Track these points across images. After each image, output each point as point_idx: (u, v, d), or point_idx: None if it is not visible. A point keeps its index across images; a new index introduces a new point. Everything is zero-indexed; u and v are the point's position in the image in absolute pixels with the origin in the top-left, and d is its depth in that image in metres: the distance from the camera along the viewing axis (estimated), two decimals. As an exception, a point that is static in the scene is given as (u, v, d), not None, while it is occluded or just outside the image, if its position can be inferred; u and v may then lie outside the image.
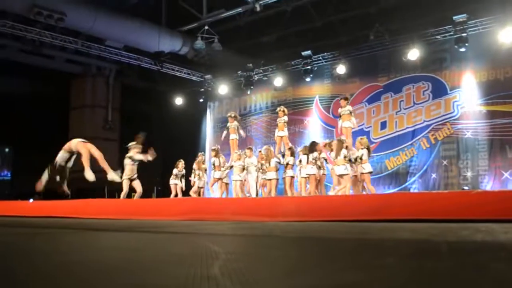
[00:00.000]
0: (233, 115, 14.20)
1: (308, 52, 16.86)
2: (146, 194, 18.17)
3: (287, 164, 12.50)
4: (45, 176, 9.65)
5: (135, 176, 12.01)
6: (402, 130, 15.32)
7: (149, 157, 11.67)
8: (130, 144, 12.20)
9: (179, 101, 20.37)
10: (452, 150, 14.40)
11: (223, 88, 19.30)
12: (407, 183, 14.83)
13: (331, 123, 16.87)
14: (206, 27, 16.11)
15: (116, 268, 2.25)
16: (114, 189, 18.96)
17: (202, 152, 16.29)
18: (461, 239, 3.54)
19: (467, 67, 14.52)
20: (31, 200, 13.36)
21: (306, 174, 11.96)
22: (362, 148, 11.34)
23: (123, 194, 11.86)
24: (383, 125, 15.73)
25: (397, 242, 3.51)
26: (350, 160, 11.27)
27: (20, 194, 18.60)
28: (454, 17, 14.07)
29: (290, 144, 13.12)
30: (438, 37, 14.83)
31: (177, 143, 20.33)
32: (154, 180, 19.61)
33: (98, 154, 9.75)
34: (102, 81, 21.29)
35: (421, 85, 15.24)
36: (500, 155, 13.56)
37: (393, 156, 15.24)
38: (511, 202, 5.42)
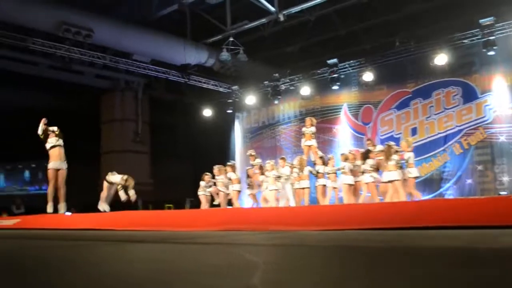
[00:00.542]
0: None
1: (334, 60, 16.81)
2: (179, 205, 18.35)
3: (318, 172, 12.44)
4: None
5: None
6: (434, 135, 15.11)
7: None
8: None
9: (207, 112, 20.49)
10: (486, 155, 14.13)
11: (250, 99, 19.35)
12: (441, 190, 14.59)
13: (361, 130, 16.77)
14: (231, 39, 16.22)
15: (150, 280, 2.23)
16: (147, 201, 19.19)
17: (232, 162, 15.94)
18: (505, 246, 3.45)
19: (497, 71, 14.27)
20: (67, 213, 13.56)
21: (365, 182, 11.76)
22: (409, 151, 11.16)
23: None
24: (414, 131, 15.53)
25: (437, 250, 3.44)
26: (401, 166, 11.09)
27: (56, 208, 18.90)
28: (481, 21, 13.87)
29: (320, 153, 13.06)
30: (466, 41, 14.62)
31: (206, 154, 20.44)
32: (186, 191, 19.73)
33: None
34: (130, 95, 21.59)
35: (451, 89, 15.03)
36: (536, 158, 13.28)
37: (426, 162, 15.01)
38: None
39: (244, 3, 16.50)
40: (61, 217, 12.48)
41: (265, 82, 18.78)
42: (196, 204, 15.41)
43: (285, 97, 18.85)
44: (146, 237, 6.25)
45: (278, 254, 3.70)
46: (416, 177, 11.27)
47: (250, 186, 14.04)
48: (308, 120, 13.23)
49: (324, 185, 12.40)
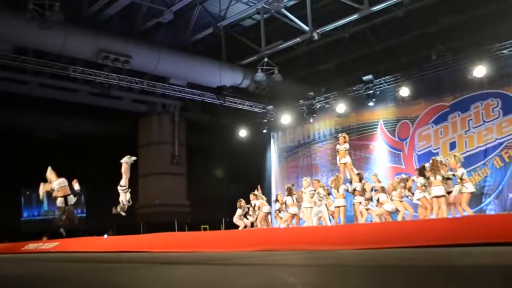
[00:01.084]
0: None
1: (370, 77, 16.67)
2: (214, 226, 18.40)
3: (355, 190, 12.28)
4: None
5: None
6: (473, 149, 14.73)
7: None
8: None
9: (242, 133, 20.58)
10: (528, 167, 13.69)
11: (285, 118, 19.35)
12: (482, 205, 14.16)
13: (398, 146, 16.51)
14: (266, 59, 16.32)
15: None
16: (184, 222, 19.33)
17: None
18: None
19: (537, 81, 13.90)
20: (105, 236, 13.78)
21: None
22: (459, 167, 10.89)
23: None
24: (452, 146, 15.18)
25: (482, 268, 3.32)
26: (448, 178, 10.83)
27: (95, 230, 19.32)
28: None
29: (357, 170, 12.91)
30: (504, 51, 14.29)
31: (242, 175, 20.50)
32: (222, 212, 19.78)
33: None
34: (167, 118, 21.91)
35: (489, 102, 14.67)
36: None
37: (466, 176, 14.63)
38: None
39: (278, 24, 16.68)
40: (98, 240, 12.69)
41: (300, 101, 18.77)
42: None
43: (320, 115, 18.77)
44: (182, 258, 6.27)
45: (316, 274, 3.65)
46: (472, 192, 10.91)
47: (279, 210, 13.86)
48: (341, 137, 13.11)
49: (361, 203, 12.21)
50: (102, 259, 7.32)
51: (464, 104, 15.17)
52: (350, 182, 12.60)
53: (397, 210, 11.86)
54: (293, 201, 13.00)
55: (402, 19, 15.29)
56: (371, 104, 16.93)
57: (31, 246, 12.82)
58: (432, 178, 10.71)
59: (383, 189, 12.13)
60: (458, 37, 16.70)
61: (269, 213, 13.98)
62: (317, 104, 18.44)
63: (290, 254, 6.15)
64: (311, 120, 18.73)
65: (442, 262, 3.93)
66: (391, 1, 13.59)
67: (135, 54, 15.88)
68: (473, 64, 14.49)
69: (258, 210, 13.61)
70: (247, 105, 20.11)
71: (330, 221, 12.37)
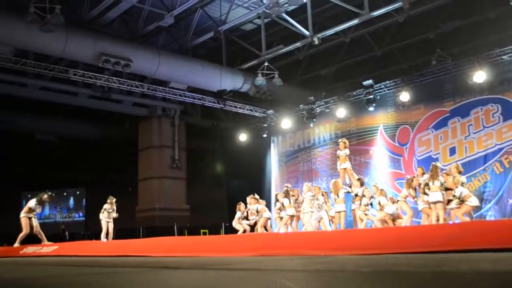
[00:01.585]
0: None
1: (370, 81, 16.69)
2: (214, 231, 18.39)
3: (356, 195, 12.29)
4: None
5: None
6: (473, 155, 14.73)
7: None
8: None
9: (243, 137, 20.59)
10: (528, 173, 13.67)
11: (286, 122, 19.36)
12: (482, 211, 14.13)
13: (398, 151, 16.51)
14: (266, 64, 16.34)
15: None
16: (183, 226, 19.32)
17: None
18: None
19: (537, 86, 13.91)
20: (104, 240, 13.77)
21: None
22: (456, 187, 10.68)
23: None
24: (452, 151, 15.19)
25: (479, 274, 3.32)
26: (446, 189, 10.82)
27: (94, 234, 19.29)
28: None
29: (357, 175, 12.93)
30: (504, 57, 14.30)
31: (242, 178, 20.51)
32: (222, 216, 19.80)
33: None
34: (167, 121, 21.94)
35: (489, 107, 14.67)
36: None
37: (465, 182, 14.62)
38: None
39: (279, 28, 16.72)
40: (97, 244, 12.68)
41: (300, 105, 18.78)
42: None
43: (320, 120, 18.78)
44: (181, 263, 6.27)
45: (315, 280, 3.65)
46: (476, 206, 10.89)
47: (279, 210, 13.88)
48: (341, 143, 13.11)
49: (359, 208, 12.23)
50: (101, 263, 7.32)
51: (464, 110, 15.18)
52: (350, 187, 12.63)
53: (402, 211, 11.92)
54: (290, 202, 13.08)
55: (402, 24, 15.30)
56: (371, 109, 16.95)
57: (30, 249, 12.80)
58: (430, 184, 10.73)
59: (382, 192, 12.13)
60: (458, 42, 16.74)
61: (269, 218, 13.97)
62: (317, 108, 18.45)
63: (289, 259, 6.15)
64: (311, 125, 18.74)
65: (440, 268, 3.93)
66: (392, 6, 13.60)
67: (136, 58, 15.90)
68: (473, 69, 14.50)
69: (258, 214, 13.61)
70: (247, 109, 20.13)
71: (329, 226, 12.38)
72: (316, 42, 14.98)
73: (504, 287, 2.55)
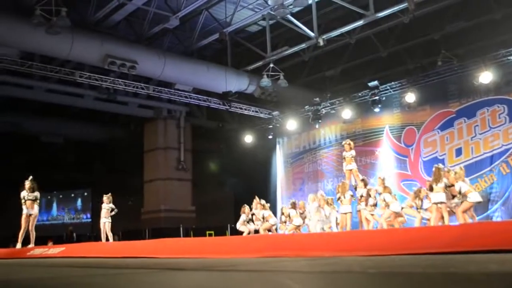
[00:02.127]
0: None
1: (375, 83, 16.66)
2: (220, 232, 18.39)
3: (361, 196, 12.28)
4: None
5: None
6: (479, 155, 14.67)
7: None
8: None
9: (248, 138, 20.58)
10: (535, 173, 13.61)
11: (291, 124, 19.35)
12: (489, 211, 14.08)
13: (404, 152, 16.47)
14: (271, 65, 16.34)
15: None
16: (189, 228, 19.34)
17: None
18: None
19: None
20: (110, 241, 13.81)
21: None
22: (456, 182, 10.72)
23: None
24: (458, 152, 15.14)
25: (486, 276, 3.31)
26: (449, 186, 10.79)
27: (100, 236, 19.30)
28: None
29: (361, 176, 12.92)
30: (510, 58, 14.23)
31: (248, 179, 20.50)
32: (228, 218, 19.80)
33: None
34: (173, 123, 21.98)
35: (496, 108, 14.62)
36: None
37: (472, 183, 14.52)
38: None
39: (284, 29, 16.72)
40: (104, 245, 12.70)
41: (306, 106, 18.77)
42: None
43: (326, 121, 18.76)
44: (187, 264, 6.26)
45: (320, 281, 3.64)
46: (476, 202, 10.78)
47: (284, 222, 13.94)
48: (346, 144, 13.07)
49: (365, 209, 12.23)
50: (107, 265, 7.33)
51: (470, 110, 15.13)
52: (355, 188, 12.62)
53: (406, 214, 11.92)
54: (297, 213, 13.19)
55: (407, 25, 15.27)
56: (376, 110, 16.91)
57: (37, 251, 12.83)
58: (433, 185, 10.70)
59: (387, 189, 12.06)
60: (464, 43, 16.68)
61: (274, 225, 13.96)
62: (323, 110, 18.43)
63: (295, 260, 6.14)
64: (317, 126, 18.72)
65: (447, 269, 3.91)
66: (397, 7, 13.58)
67: (141, 60, 15.95)
68: (479, 70, 14.45)
69: (264, 220, 13.63)
70: (252, 111, 20.14)
71: (336, 228, 12.40)
72: (321, 43, 14.97)
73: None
